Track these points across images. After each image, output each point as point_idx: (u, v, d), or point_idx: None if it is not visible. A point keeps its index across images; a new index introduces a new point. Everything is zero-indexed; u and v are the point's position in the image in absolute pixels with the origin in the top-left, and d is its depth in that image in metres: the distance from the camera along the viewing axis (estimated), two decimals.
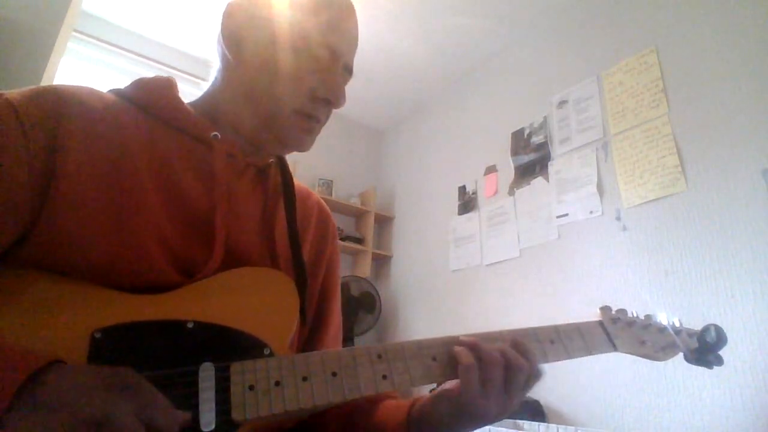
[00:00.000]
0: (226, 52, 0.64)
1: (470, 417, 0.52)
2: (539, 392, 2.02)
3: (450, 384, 0.55)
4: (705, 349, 0.71)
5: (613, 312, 0.70)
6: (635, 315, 0.71)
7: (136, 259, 0.50)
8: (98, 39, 2.74)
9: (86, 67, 2.80)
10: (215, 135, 0.61)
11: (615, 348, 0.66)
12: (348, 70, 0.68)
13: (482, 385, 0.52)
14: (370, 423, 0.61)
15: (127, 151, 0.54)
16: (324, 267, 0.74)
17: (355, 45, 0.69)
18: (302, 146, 0.67)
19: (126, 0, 2.74)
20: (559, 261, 2.21)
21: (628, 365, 1.80)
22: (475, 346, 0.54)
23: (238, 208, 0.61)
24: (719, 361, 0.70)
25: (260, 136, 0.66)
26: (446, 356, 0.55)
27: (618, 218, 2.03)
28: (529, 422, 1.71)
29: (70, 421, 0.34)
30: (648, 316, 0.72)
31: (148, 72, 2.88)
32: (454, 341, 0.56)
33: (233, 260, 0.57)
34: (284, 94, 0.62)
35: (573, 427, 1.60)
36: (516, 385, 0.53)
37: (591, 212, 2.14)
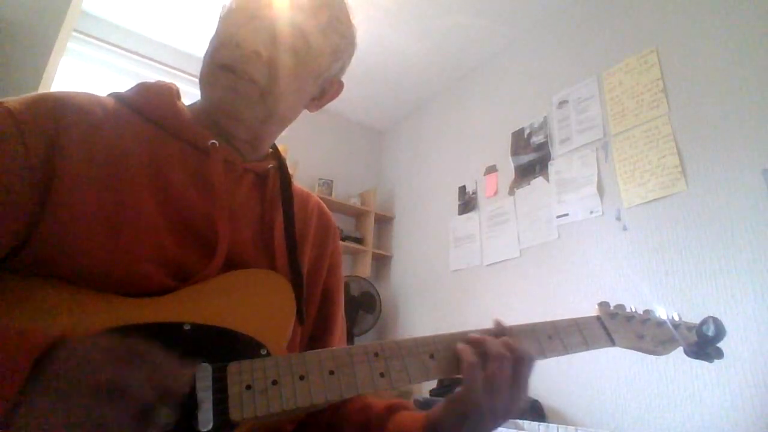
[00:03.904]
0: None
1: (474, 417, 0.51)
2: (539, 392, 2.02)
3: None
4: (704, 342, 0.70)
5: (612, 307, 0.70)
6: (634, 310, 0.71)
7: (130, 267, 0.50)
8: (98, 39, 2.74)
9: (86, 67, 2.80)
10: (213, 143, 0.61)
11: (613, 343, 0.65)
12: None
13: (486, 381, 0.51)
14: None
15: (125, 159, 0.54)
16: (325, 269, 0.73)
17: None
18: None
19: (126, 0, 2.74)
20: (559, 261, 2.20)
21: (629, 365, 1.80)
22: (481, 342, 0.54)
23: (237, 214, 0.61)
24: (719, 354, 0.69)
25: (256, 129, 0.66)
26: (444, 353, 0.55)
27: (618, 218, 2.02)
28: (529, 422, 1.71)
29: (86, 402, 0.35)
30: (647, 311, 0.72)
31: (148, 72, 2.88)
32: (455, 338, 0.56)
33: (232, 267, 0.57)
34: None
35: (573, 427, 1.60)
36: (524, 376, 0.53)
37: (591, 212, 2.13)
